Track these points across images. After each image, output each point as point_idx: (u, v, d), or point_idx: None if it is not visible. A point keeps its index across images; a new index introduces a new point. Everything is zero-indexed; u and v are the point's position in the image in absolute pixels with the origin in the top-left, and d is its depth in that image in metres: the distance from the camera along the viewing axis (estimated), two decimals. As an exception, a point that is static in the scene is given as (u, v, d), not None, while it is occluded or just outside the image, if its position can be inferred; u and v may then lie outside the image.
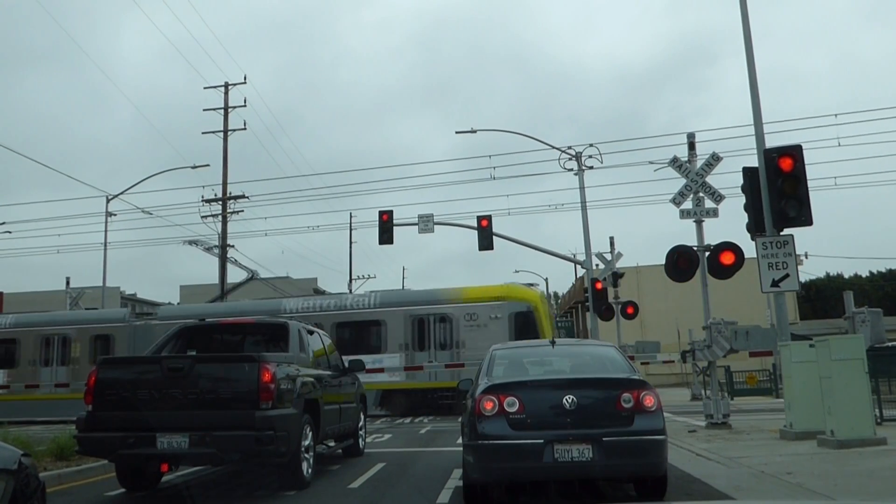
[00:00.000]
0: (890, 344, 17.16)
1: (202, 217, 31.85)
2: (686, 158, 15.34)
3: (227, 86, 32.80)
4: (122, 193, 31.98)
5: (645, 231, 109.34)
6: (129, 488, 8.57)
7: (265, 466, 8.64)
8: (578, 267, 32.04)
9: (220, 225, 31.71)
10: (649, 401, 6.55)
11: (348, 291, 43.61)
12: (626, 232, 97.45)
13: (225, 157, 32.34)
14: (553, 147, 25.88)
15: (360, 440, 11.90)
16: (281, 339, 9.71)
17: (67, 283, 38.08)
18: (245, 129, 32.75)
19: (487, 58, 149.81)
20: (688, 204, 14.81)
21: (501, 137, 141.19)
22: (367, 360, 15.49)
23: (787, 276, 11.95)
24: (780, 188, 11.92)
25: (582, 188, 25.05)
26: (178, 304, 42.72)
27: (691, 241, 14.76)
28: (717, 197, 14.79)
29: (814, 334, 20.57)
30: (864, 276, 61.13)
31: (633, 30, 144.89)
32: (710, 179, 14.88)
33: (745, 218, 12.98)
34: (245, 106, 32.86)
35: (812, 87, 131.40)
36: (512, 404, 6.51)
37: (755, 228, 12.53)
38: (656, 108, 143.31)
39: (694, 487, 7.64)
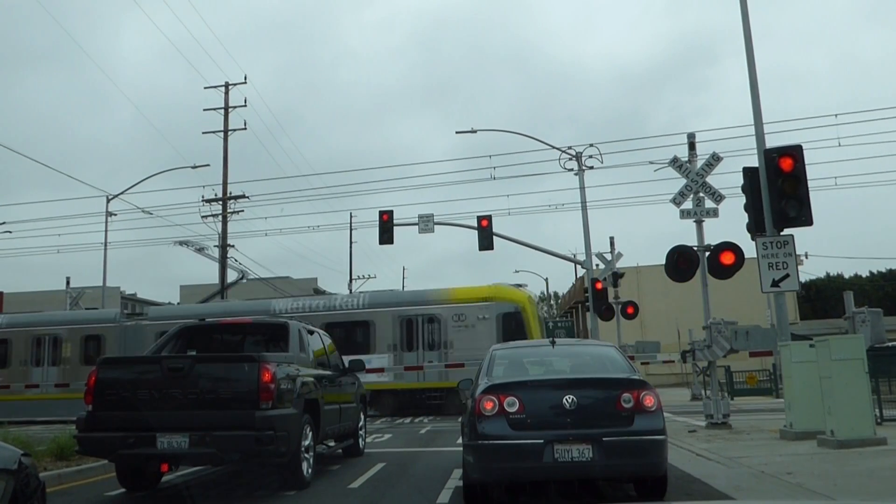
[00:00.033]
0: (890, 344, 17.16)
1: (202, 217, 31.91)
2: (686, 158, 15.34)
3: (227, 86, 32.82)
4: (122, 193, 32.01)
5: (645, 231, 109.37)
6: (129, 488, 8.57)
7: (265, 466, 8.64)
8: (578, 267, 32.06)
9: (220, 225, 31.74)
10: (649, 401, 6.55)
11: (349, 291, 43.67)
12: (626, 232, 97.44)
13: (225, 157, 32.36)
14: (553, 147, 25.91)
15: (360, 440, 11.90)
16: (281, 339, 9.71)
17: (67, 283, 38.09)
18: (245, 128, 32.79)
19: (487, 58, 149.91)
20: (688, 204, 14.81)
21: (501, 137, 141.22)
22: None
23: (787, 276, 11.96)
24: (780, 188, 11.92)
25: (582, 188, 25.06)
26: (179, 303, 42.71)
27: (691, 241, 14.78)
28: (718, 197, 14.80)
29: (814, 334, 20.56)
30: (864, 276, 61.13)
31: (633, 30, 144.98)
32: (710, 179, 14.89)
33: (745, 218, 12.99)
34: (245, 106, 32.92)
35: (812, 87, 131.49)
36: (512, 404, 6.51)
37: (755, 228, 12.53)
38: (656, 108, 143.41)
39: (694, 487, 7.64)
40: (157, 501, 8.46)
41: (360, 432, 11.91)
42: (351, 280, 48.59)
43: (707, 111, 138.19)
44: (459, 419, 9.36)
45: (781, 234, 12.06)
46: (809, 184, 12.05)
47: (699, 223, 14.76)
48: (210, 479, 9.67)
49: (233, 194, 32.14)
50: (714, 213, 14.79)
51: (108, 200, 31.73)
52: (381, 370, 22.89)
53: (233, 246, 32.06)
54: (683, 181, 14.90)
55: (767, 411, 18.51)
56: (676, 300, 38.57)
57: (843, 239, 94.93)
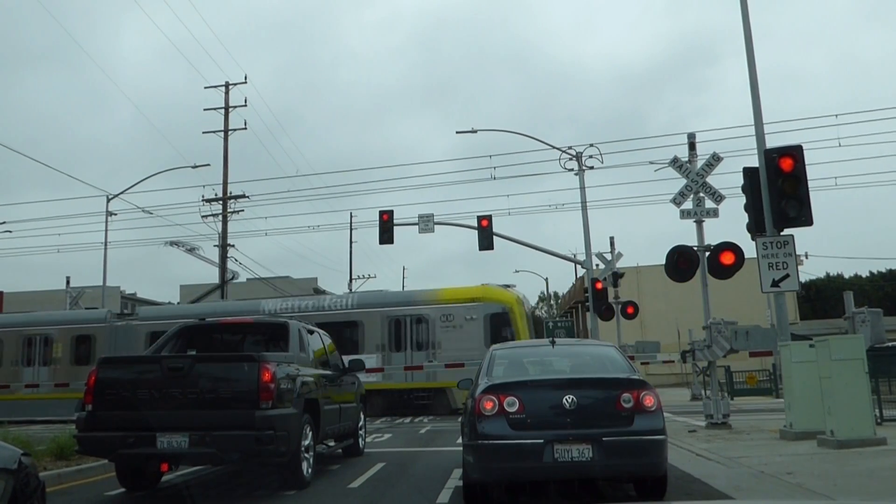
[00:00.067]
0: (890, 344, 17.16)
1: (202, 217, 31.93)
2: (686, 159, 15.34)
3: (227, 85, 32.83)
4: (122, 193, 31.98)
5: (645, 231, 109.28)
6: (129, 488, 8.57)
7: (265, 466, 8.64)
8: (578, 267, 32.07)
9: (220, 225, 31.75)
10: (649, 401, 6.56)
11: (349, 291, 43.66)
12: (627, 232, 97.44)
13: (225, 157, 32.37)
14: (553, 147, 25.91)
15: (360, 440, 11.90)
16: (281, 339, 9.71)
17: (67, 282, 38.08)
18: (245, 128, 32.82)
19: (487, 58, 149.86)
20: (688, 204, 14.82)
21: (501, 137, 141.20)
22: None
23: (787, 276, 11.96)
24: (780, 188, 11.92)
25: (582, 188, 25.06)
26: (178, 303, 42.71)
27: (691, 241, 14.78)
28: (718, 197, 14.80)
29: (814, 334, 20.56)
30: (864, 276, 61.12)
31: (633, 30, 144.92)
32: (710, 180, 14.90)
33: (745, 218, 12.99)
34: (245, 105, 32.95)
35: (812, 87, 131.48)
36: (512, 404, 6.51)
37: (755, 228, 12.54)
38: (656, 108, 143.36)
39: (694, 487, 7.64)
40: (157, 501, 8.46)
41: (360, 432, 11.92)
42: (351, 280, 48.60)
43: (707, 111, 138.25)
44: (459, 419, 9.36)
45: (781, 234, 12.06)
46: (809, 184, 12.05)
47: (699, 223, 14.76)
48: (210, 479, 9.67)
49: (233, 194, 32.17)
50: (714, 213, 14.80)
51: (108, 200, 31.72)
52: (369, 370, 22.96)
53: (233, 245, 32.10)
54: (683, 181, 14.90)
55: (767, 411, 18.51)
56: (676, 300, 38.57)
57: (843, 239, 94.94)
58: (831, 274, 61.06)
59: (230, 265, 31.33)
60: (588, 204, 25.07)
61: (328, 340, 11.14)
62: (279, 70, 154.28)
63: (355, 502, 7.79)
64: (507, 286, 24.29)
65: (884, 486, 7.29)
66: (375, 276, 62.80)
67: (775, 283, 12.00)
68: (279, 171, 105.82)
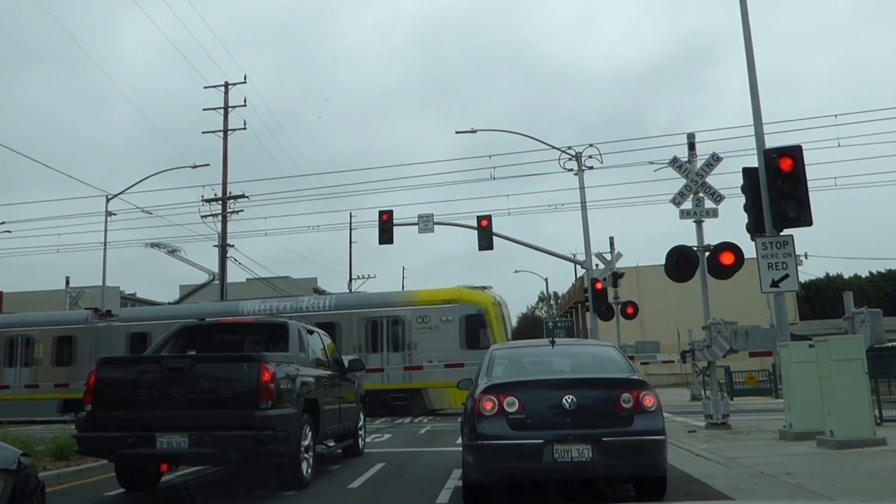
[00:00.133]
0: (889, 344, 17.17)
1: (202, 217, 31.90)
2: (686, 159, 15.35)
3: (226, 85, 32.81)
4: (121, 193, 31.97)
5: (645, 231, 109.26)
6: (129, 488, 8.57)
7: (265, 466, 8.63)
8: (578, 267, 32.03)
9: (219, 225, 31.73)
10: (649, 401, 6.56)
11: (349, 291, 43.68)
12: (626, 232, 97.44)
13: (225, 157, 32.35)
14: (553, 147, 25.92)
15: (360, 440, 11.91)
16: (281, 339, 9.70)
17: (67, 282, 38.10)
18: (245, 128, 32.76)
19: (487, 58, 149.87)
20: (688, 204, 14.82)
21: (501, 137, 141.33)
22: None
23: (786, 276, 11.96)
24: (779, 188, 11.92)
25: (582, 188, 25.07)
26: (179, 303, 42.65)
27: (691, 241, 14.79)
28: (717, 197, 14.80)
29: (813, 334, 20.59)
30: (863, 276, 61.07)
31: (633, 30, 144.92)
32: (710, 180, 14.90)
33: (744, 218, 12.99)
34: (245, 105, 32.89)
35: (812, 87, 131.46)
36: (511, 404, 6.51)
37: (755, 229, 12.54)
38: (656, 109, 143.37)
39: (693, 488, 7.64)
40: (157, 501, 8.46)
41: (360, 432, 11.92)
42: (351, 280, 48.61)
43: (707, 111, 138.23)
44: (459, 419, 9.36)
45: (781, 234, 12.06)
46: (809, 184, 12.05)
47: (699, 223, 14.77)
48: (210, 479, 9.67)
49: (232, 194, 32.15)
50: (714, 213, 14.80)
51: (108, 200, 31.72)
52: None
53: (232, 246, 32.09)
54: (683, 181, 14.90)
55: (767, 411, 18.51)
56: (676, 300, 38.58)
57: (843, 239, 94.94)
58: (831, 274, 61.04)
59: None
60: (588, 204, 25.11)
61: (328, 340, 11.15)
62: (279, 70, 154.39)
63: (355, 502, 7.79)
64: (484, 288, 24.28)
65: (883, 486, 7.29)
66: (375, 277, 62.82)
67: (775, 284, 12.00)
68: (279, 171, 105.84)
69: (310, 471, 8.67)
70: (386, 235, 24.34)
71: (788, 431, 11.42)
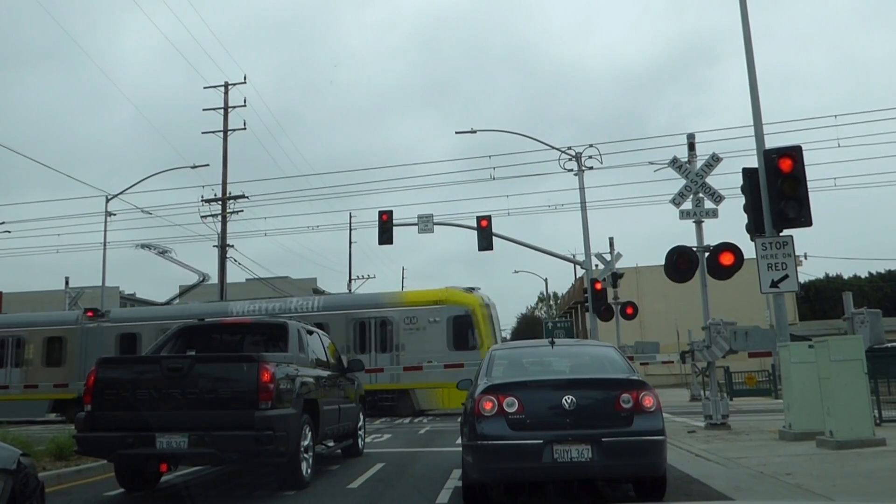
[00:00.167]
0: (889, 345, 17.17)
1: (202, 217, 31.90)
2: (686, 159, 15.35)
3: (226, 85, 32.81)
4: (121, 193, 31.97)
5: (645, 231, 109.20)
6: (129, 488, 8.57)
7: (264, 466, 8.64)
8: (578, 267, 32.02)
9: (219, 225, 31.73)
10: (648, 401, 6.56)
11: (348, 291, 43.69)
12: (626, 232, 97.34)
13: (225, 157, 32.35)
14: (553, 147, 25.94)
15: (360, 440, 11.90)
16: (280, 339, 9.70)
17: (67, 282, 38.05)
18: (245, 128, 32.77)
19: (487, 58, 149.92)
20: (687, 204, 14.82)
21: (501, 137, 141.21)
22: None
23: (786, 276, 11.96)
24: (779, 189, 11.92)
25: (582, 188, 25.08)
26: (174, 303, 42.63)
27: (691, 241, 14.79)
28: (717, 197, 14.81)
29: (813, 335, 20.59)
30: (863, 276, 61.05)
31: (633, 30, 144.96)
32: (709, 180, 14.91)
33: (744, 218, 12.99)
34: (245, 106, 32.90)
35: (812, 87, 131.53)
36: (511, 404, 6.51)
37: (755, 229, 12.54)
38: (656, 109, 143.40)
39: (693, 488, 7.64)
40: (157, 501, 8.46)
41: (360, 432, 11.92)
42: (350, 280, 48.62)
43: (707, 111, 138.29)
44: (459, 419, 9.36)
45: (781, 234, 12.06)
46: (809, 184, 12.05)
47: (699, 224, 14.77)
48: (209, 479, 9.67)
49: (232, 194, 32.14)
50: (714, 213, 14.80)
51: (108, 200, 31.72)
52: None
53: (232, 246, 32.08)
54: (683, 182, 14.91)
55: (766, 412, 18.51)
56: (676, 301, 38.54)
57: (843, 240, 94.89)
58: (830, 275, 61.02)
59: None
60: (587, 204, 25.13)
61: (328, 341, 11.15)
62: (279, 70, 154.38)
63: (355, 502, 7.79)
64: (472, 289, 24.25)
65: (883, 486, 7.29)
66: (375, 277, 62.63)
67: (774, 284, 12.01)
68: (279, 171, 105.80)
69: (309, 471, 8.67)
70: (386, 236, 24.33)
71: (788, 432, 11.42)
